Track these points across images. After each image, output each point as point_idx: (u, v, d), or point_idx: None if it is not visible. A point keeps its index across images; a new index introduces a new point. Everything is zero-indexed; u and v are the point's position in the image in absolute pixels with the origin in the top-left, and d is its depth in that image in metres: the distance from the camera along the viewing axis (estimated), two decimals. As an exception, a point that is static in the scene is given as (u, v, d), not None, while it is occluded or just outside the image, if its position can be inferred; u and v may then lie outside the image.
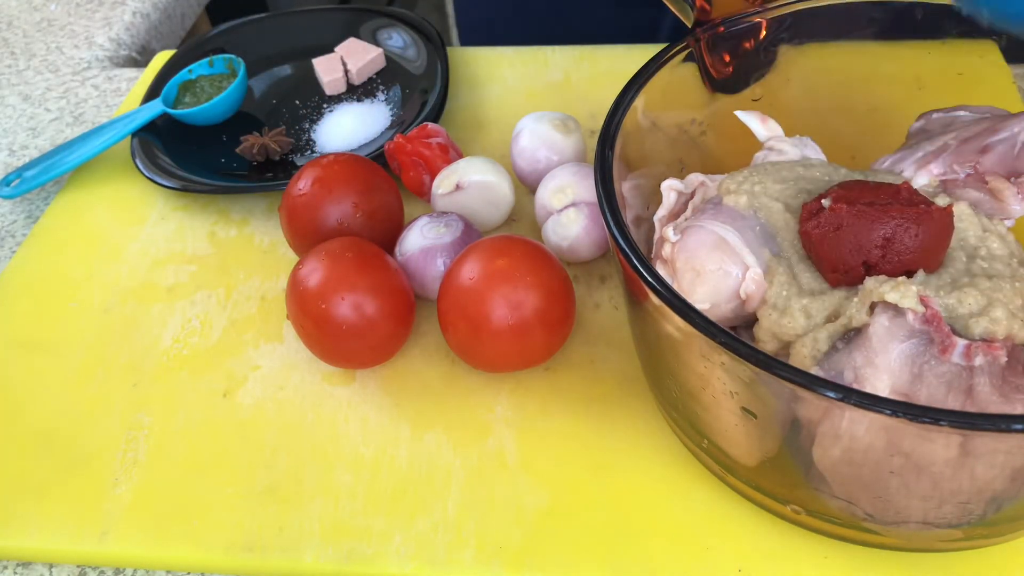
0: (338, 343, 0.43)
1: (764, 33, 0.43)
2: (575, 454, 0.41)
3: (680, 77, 0.42)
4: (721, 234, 0.37)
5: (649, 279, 0.32)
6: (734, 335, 0.30)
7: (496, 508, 0.40)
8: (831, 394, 0.28)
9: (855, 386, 0.32)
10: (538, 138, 0.52)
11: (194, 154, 0.60)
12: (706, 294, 0.36)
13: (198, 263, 0.54)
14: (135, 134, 0.61)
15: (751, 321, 0.37)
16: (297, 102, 0.64)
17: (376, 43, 0.67)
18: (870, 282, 0.33)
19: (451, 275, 0.42)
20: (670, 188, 0.40)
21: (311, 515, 0.40)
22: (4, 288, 0.53)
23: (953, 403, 0.32)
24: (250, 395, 0.46)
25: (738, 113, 0.43)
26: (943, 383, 0.33)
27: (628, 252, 0.33)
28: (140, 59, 0.81)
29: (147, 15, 0.83)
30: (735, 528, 0.38)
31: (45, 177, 0.60)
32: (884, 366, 0.33)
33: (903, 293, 0.32)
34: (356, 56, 0.64)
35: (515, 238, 0.43)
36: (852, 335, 0.34)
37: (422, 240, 0.47)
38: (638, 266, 0.32)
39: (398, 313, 0.44)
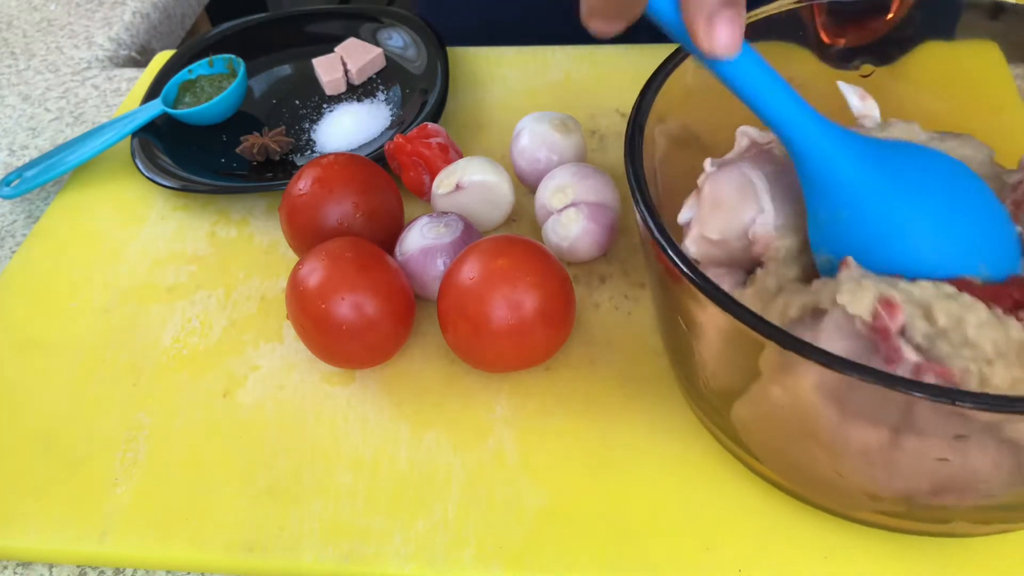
0: (338, 343, 0.43)
1: (893, 15, 0.42)
2: (575, 454, 0.41)
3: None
4: (750, 176, 0.38)
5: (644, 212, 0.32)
6: (707, 278, 0.31)
7: (496, 508, 0.40)
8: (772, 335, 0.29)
9: None
10: (538, 138, 0.52)
11: (194, 154, 0.60)
12: (717, 226, 0.38)
13: (198, 263, 0.54)
14: (135, 134, 0.61)
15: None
16: (297, 102, 0.64)
17: (376, 43, 0.67)
18: (842, 274, 0.34)
19: (451, 275, 0.42)
20: (744, 133, 0.40)
21: (311, 515, 0.40)
22: (4, 288, 0.53)
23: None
24: (250, 395, 0.46)
25: (840, 84, 0.42)
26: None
27: (640, 195, 0.33)
28: (140, 59, 0.81)
29: (147, 15, 0.83)
30: (735, 528, 0.38)
31: (45, 177, 0.60)
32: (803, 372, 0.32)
33: (853, 299, 0.32)
34: (356, 56, 0.64)
35: (515, 238, 0.43)
36: (818, 314, 0.34)
37: (422, 240, 0.47)
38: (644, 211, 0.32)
39: (398, 313, 0.44)
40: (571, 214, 0.47)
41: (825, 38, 0.42)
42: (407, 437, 0.43)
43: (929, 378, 0.31)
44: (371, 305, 0.42)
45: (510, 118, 0.60)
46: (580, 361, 0.45)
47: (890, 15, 0.43)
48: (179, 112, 0.61)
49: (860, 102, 0.41)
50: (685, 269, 0.31)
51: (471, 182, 0.50)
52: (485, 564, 0.38)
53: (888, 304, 0.32)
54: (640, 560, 0.38)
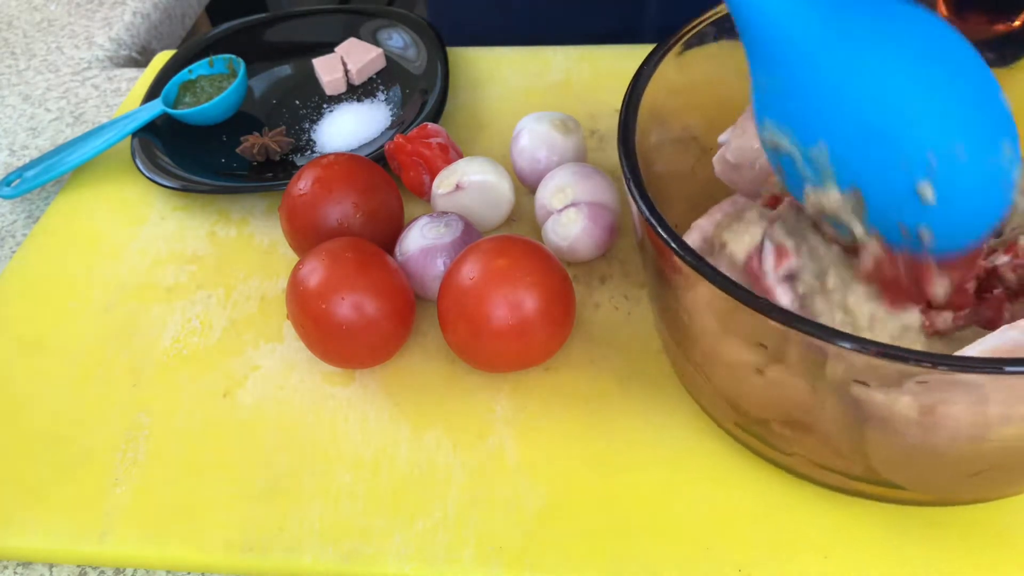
0: (338, 343, 0.43)
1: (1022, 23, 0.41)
2: (575, 454, 0.41)
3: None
4: None
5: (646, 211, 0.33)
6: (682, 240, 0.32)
7: (496, 508, 0.40)
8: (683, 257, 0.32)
9: None
10: (538, 138, 0.52)
11: (194, 154, 0.60)
12: (735, 151, 0.40)
13: (198, 263, 0.54)
14: (135, 134, 0.61)
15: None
16: (297, 102, 0.64)
17: (376, 43, 0.67)
18: (749, 214, 0.36)
19: (451, 275, 0.42)
20: None
21: (311, 515, 0.40)
22: (4, 288, 0.53)
23: None
24: (250, 395, 0.46)
25: None
26: None
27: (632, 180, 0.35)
28: (140, 59, 0.81)
29: (147, 15, 0.83)
30: (735, 528, 0.38)
31: (45, 177, 0.60)
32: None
33: (734, 240, 0.36)
34: (356, 56, 0.64)
35: (515, 238, 0.43)
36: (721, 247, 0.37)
37: (422, 240, 0.47)
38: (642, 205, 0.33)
39: (398, 313, 0.44)
40: (571, 214, 0.47)
41: (943, 11, 0.40)
42: (407, 437, 0.43)
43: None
44: (371, 305, 0.42)
45: (510, 118, 0.60)
46: (580, 361, 0.45)
47: (1017, 22, 0.40)
48: (179, 112, 0.61)
49: None
50: (631, 178, 0.34)
51: (471, 182, 0.50)
52: (485, 564, 0.38)
53: (779, 250, 0.34)
54: (640, 560, 0.38)
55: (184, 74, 0.63)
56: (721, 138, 0.41)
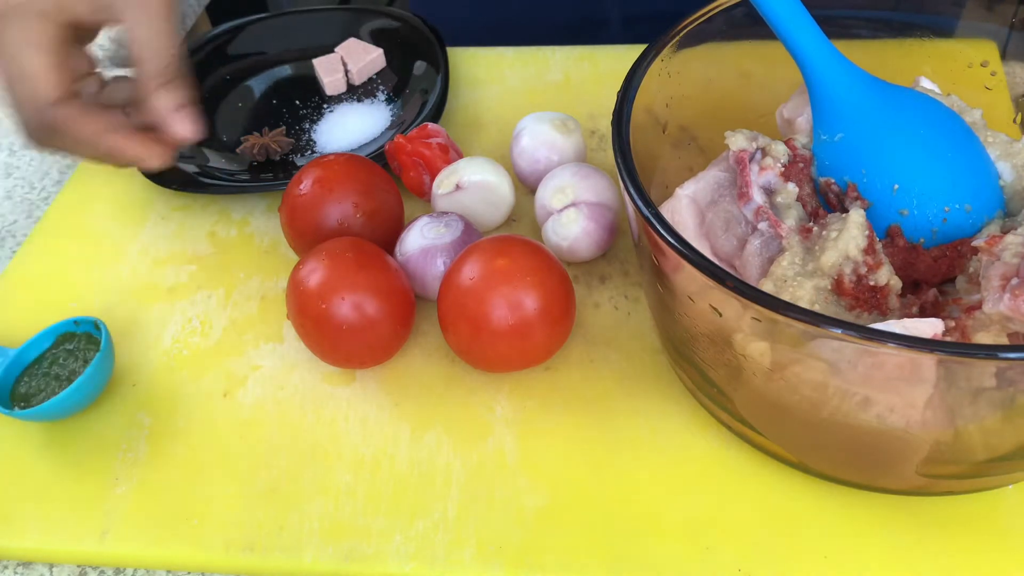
0: (338, 343, 0.43)
1: None
2: (575, 453, 0.41)
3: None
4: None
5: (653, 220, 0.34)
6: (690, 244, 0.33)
7: (496, 508, 0.40)
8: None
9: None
10: (538, 138, 0.52)
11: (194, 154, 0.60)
12: (790, 109, 0.44)
13: (198, 263, 0.54)
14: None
15: None
16: (297, 102, 0.64)
17: (376, 43, 0.67)
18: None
19: (451, 275, 0.42)
20: None
21: (311, 515, 0.40)
22: (4, 288, 0.53)
23: (725, 243, 0.39)
24: (250, 395, 0.46)
25: None
26: (724, 220, 0.39)
27: (633, 190, 0.35)
28: (140, 59, 0.80)
29: (147, 15, 0.83)
30: (735, 528, 0.38)
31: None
32: (699, 177, 0.41)
33: (732, 139, 0.39)
34: (356, 56, 0.64)
35: (515, 238, 0.43)
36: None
37: (422, 240, 0.47)
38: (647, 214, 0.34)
39: (398, 313, 0.44)
40: (571, 214, 0.47)
41: None
42: (407, 437, 0.43)
43: (764, 225, 0.37)
44: (371, 305, 0.42)
45: (510, 118, 0.60)
46: (580, 361, 0.45)
47: None
48: (26, 412, 0.42)
49: None
50: (625, 173, 0.36)
51: (471, 182, 0.50)
52: (485, 564, 0.38)
53: (762, 166, 0.39)
54: (640, 560, 0.38)
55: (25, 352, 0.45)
56: (786, 110, 0.45)
